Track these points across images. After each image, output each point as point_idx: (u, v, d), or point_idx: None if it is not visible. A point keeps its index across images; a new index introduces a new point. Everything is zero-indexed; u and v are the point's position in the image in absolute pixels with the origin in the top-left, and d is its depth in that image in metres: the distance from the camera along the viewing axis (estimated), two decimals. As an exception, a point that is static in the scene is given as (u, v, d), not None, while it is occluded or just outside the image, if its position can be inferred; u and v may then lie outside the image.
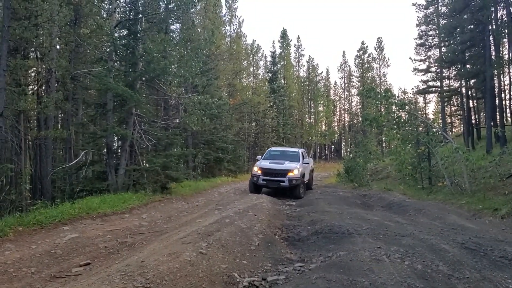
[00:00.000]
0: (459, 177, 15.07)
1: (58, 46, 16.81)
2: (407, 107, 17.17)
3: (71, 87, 19.15)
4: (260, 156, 18.60)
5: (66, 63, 17.49)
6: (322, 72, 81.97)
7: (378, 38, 76.88)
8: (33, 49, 17.65)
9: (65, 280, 5.68)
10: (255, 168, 16.86)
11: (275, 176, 16.08)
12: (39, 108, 15.46)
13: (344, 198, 15.10)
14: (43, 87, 18.99)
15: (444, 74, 40.04)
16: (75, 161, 16.37)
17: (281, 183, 15.96)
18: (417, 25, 42.13)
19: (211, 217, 9.70)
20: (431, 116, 62.52)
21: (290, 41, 65.25)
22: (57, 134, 15.82)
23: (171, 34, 21.09)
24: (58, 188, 17.24)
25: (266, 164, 16.86)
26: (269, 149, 20.59)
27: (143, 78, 17.03)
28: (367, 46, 72.23)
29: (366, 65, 71.63)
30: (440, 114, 46.36)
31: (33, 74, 20.06)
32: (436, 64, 39.93)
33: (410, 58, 43.02)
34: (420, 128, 17.93)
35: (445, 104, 42.08)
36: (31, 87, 18.76)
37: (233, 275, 5.59)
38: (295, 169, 16.18)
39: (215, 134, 29.29)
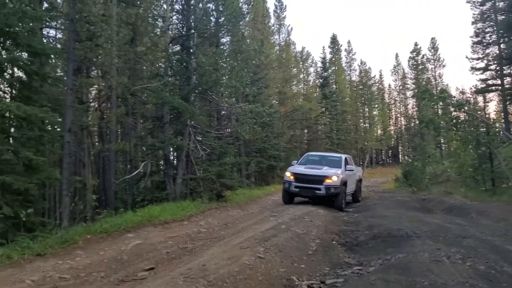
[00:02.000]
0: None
1: (117, 64, 17.75)
2: (464, 107, 16.70)
3: (131, 103, 20.12)
4: (296, 161, 16.54)
5: (126, 79, 18.45)
6: (375, 75, 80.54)
7: (432, 38, 74.39)
8: (95, 68, 18.78)
9: (132, 283, 6.08)
10: (287, 174, 14.85)
11: (309, 183, 14.01)
12: (102, 123, 16.40)
13: (402, 203, 14.92)
14: (105, 104, 20.10)
15: (504, 72, 38.34)
16: (135, 172, 17.20)
17: (316, 191, 13.89)
18: (472, 23, 40.87)
19: (267, 223, 9.94)
20: (493, 116, 59.84)
21: (341, 46, 64.85)
22: (120, 147, 16.70)
23: (222, 47, 21.68)
24: (120, 198, 18.08)
25: (300, 169, 14.92)
26: (306, 153, 18.72)
27: (197, 91, 17.64)
28: (420, 47, 70.37)
29: (420, 67, 69.74)
30: (502, 114, 44.38)
31: (94, 92, 21.30)
32: (495, 62, 38.40)
33: (466, 57, 41.59)
34: (481, 129, 17.39)
35: (507, 102, 40.28)
36: (93, 104, 19.92)
37: (291, 278, 5.80)
38: (334, 176, 13.99)
39: (267, 142, 29.55)
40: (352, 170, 15.88)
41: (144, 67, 20.94)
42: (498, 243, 6.76)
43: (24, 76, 9.89)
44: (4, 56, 9.38)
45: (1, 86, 10.52)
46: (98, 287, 5.91)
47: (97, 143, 22.34)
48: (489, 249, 6.37)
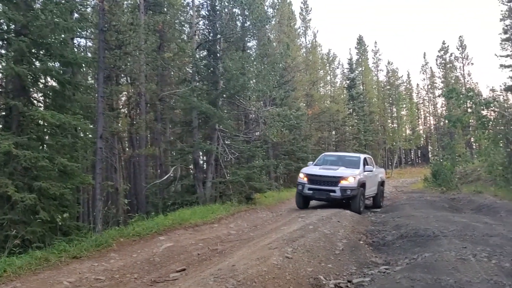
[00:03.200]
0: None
1: (146, 71, 18.16)
2: (492, 105, 16.40)
3: (160, 108, 20.51)
4: (312, 162, 15.59)
5: (154, 86, 18.83)
6: (402, 75, 79.66)
7: (460, 36, 73.07)
8: (124, 76, 19.24)
9: (164, 284, 6.23)
10: (301, 175, 13.97)
11: (324, 185, 13.15)
12: (133, 129, 16.79)
13: (431, 203, 14.72)
14: (134, 110, 20.55)
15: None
16: (165, 176, 17.54)
17: (331, 194, 12.99)
18: (501, 20, 40.30)
19: (295, 224, 9.99)
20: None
21: (367, 46, 64.26)
22: (150, 152, 17.06)
23: (248, 51, 21.86)
24: (151, 203, 18.43)
25: (314, 169, 14.05)
26: (323, 154, 17.64)
27: (224, 95, 17.88)
28: (448, 46, 69.05)
29: (448, 65, 68.46)
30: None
31: (123, 99, 21.80)
32: (525, 58, 37.69)
33: (495, 55, 41.03)
34: (510, 127, 17.03)
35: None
36: (123, 110, 20.39)
37: (319, 278, 5.84)
38: (351, 176, 13.05)
39: (295, 145, 29.55)
40: (372, 171, 14.76)
41: (172, 73, 21.32)
42: (525, 241, 6.67)
43: (57, 85, 10.22)
44: (38, 67, 9.72)
45: (36, 95, 10.91)
46: (133, 288, 6.09)
47: (127, 149, 22.85)
48: (515, 247, 6.30)
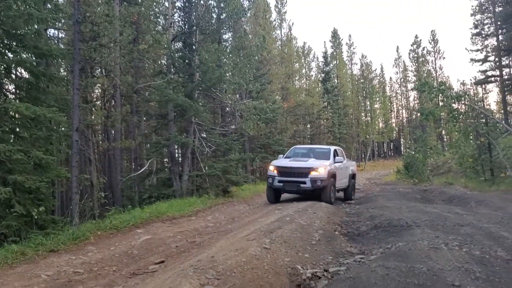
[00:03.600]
0: (522, 167, 14.74)
1: (121, 63, 17.94)
2: (463, 99, 16.86)
3: (135, 101, 20.32)
4: (282, 155, 15.38)
5: (130, 78, 18.63)
6: (376, 69, 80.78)
7: (432, 30, 74.71)
8: (98, 68, 18.97)
9: (143, 276, 6.26)
10: (271, 168, 13.66)
11: (294, 177, 12.96)
12: (109, 121, 16.61)
13: (403, 194, 15.06)
14: (109, 103, 20.29)
15: (503, 63, 38.70)
16: (141, 170, 17.42)
17: (301, 185, 12.84)
18: (471, 14, 41.29)
19: (272, 216, 10.11)
20: (494, 107, 59.93)
21: (342, 40, 65.05)
22: (126, 145, 16.92)
23: (224, 43, 21.85)
24: (127, 196, 18.31)
25: (284, 162, 13.88)
26: (293, 146, 17.18)
27: (200, 88, 17.80)
28: (420, 40, 70.44)
29: (421, 59, 69.81)
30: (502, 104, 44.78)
31: (97, 91, 21.50)
32: (494, 53, 38.79)
33: (466, 49, 42.06)
34: (480, 120, 17.57)
35: (506, 93, 40.60)
36: (97, 103, 20.12)
37: (296, 267, 5.97)
38: (321, 167, 12.88)
39: (271, 138, 29.73)
40: (342, 162, 14.71)
41: (147, 65, 21.12)
42: (494, 229, 6.95)
43: (31, 77, 10.03)
44: (11, 58, 9.53)
45: (8, 87, 10.71)
46: (111, 281, 6.09)
47: (101, 142, 22.59)
48: (485, 235, 6.57)
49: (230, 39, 23.98)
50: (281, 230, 7.79)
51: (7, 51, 9.67)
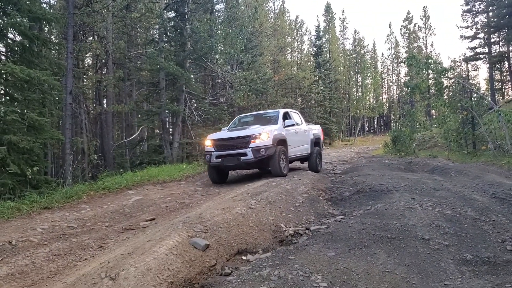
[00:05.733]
0: (502, 140, 15.21)
1: (114, 29, 17.95)
2: (448, 73, 17.16)
3: (127, 69, 20.40)
4: (225, 127, 13.25)
5: (123, 44, 18.67)
6: (368, 44, 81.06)
7: (424, 7, 74.22)
8: (91, 35, 18.97)
9: (135, 231, 6.61)
10: (207, 142, 11.52)
11: (233, 149, 10.95)
12: (102, 86, 16.75)
13: (388, 165, 15.48)
14: (101, 69, 20.38)
15: (492, 40, 39.13)
16: (133, 136, 17.71)
17: (242, 157, 10.76)
18: (463, -9, 41.24)
19: (259, 181, 10.50)
20: (483, 85, 60.58)
21: (335, 14, 64.75)
22: (119, 109, 17.11)
23: (216, 13, 21.86)
24: (118, 164, 18.61)
25: (221, 133, 11.95)
26: (238, 116, 14.94)
27: (192, 57, 17.95)
28: (412, 16, 70.71)
29: (412, 35, 69.86)
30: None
31: (89, 59, 21.51)
32: (484, 30, 39.26)
33: (456, 26, 42.38)
34: (465, 94, 17.99)
35: (494, 70, 41.21)
36: (90, 68, 20.20)
37: (279, 225, 6.38)
38: (263, 133, 10.83)
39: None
40: (295, 126, 12.68)
41: (139, 34, 21.10)
42: (467, 193, 7.38)
43: (25, 40, 10.14)
44: (6, 21, 9.63)
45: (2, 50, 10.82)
46: (104, 235, 6.44)
47: (95, 105, 22.73)
48: (458, 198, 7.01)
49: (223, 9, 23.97)
50: (266, 193, 8.19)
51: (2, 14, 9.76)
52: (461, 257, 4.64)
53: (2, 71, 8.99)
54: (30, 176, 9.05)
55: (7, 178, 8.53)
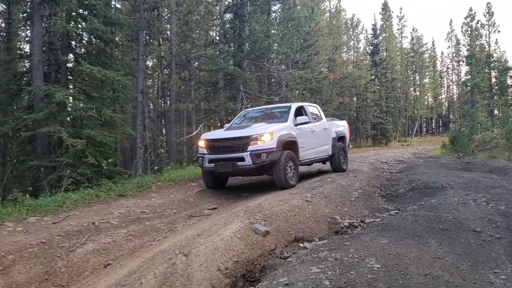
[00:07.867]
0: None
1: (178, 32, 18.88)
2: (510, 72, 16.66)
3: (188, 68, 21.34)
4: (228, 124, 11.10)
5: (189, 46, 19.60)
6: (427, 42, 78.74)
7: (488, 3, 71.09)
8: (154, 38, 20.07)
9: (199, 218, 7.27)
10: (200, 143, 9.49)
11: (228, 152, 8.86)
12: (168, 85, 17.70)
13: (445, 165, 15.35)
14: (165, 70, 21.45)
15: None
16: (194, 133, 18.56)
17: (238, 163, 8.62)
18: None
19: (314, 177, 10.92)
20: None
21: (392, 12, 63.45)
22: (181, 107, 17.95)
23: (274, 14, 22.34)
24: (176, 160, 19.54)
25: (217, 133, 10.14)
26: (244, 110, 13.01)
27: (249, 58, 18.55)
28: (475, 13, 67.46)
29: (474, 33, 67.05)
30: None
31: (154, 60, 22.67)
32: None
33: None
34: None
35: None
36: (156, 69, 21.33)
37: (335, 218, 6.82)
38: (266, 134, 8.64)
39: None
40: (311, 124, 10.48)
41: (199, 36, 21.99)
42: (524, 192, 7.48)
43: (101, 44, 11.10)
44: (84, 26, 10.63)
45: (79, 52, 11.86)
46: (173, 220, 7.13)
47: (161, 102, 23.92)
48: (513, 195, 7.14)
49: (279, 10, 24.44)
50: (322, 187, 8.63)
51: (81, 20, 10.78)
52: (513, 249, 4.79)
53: (81, 72, 9.94)
54: (105, 167, 9.97)
55: (85, 168, 9.48)
